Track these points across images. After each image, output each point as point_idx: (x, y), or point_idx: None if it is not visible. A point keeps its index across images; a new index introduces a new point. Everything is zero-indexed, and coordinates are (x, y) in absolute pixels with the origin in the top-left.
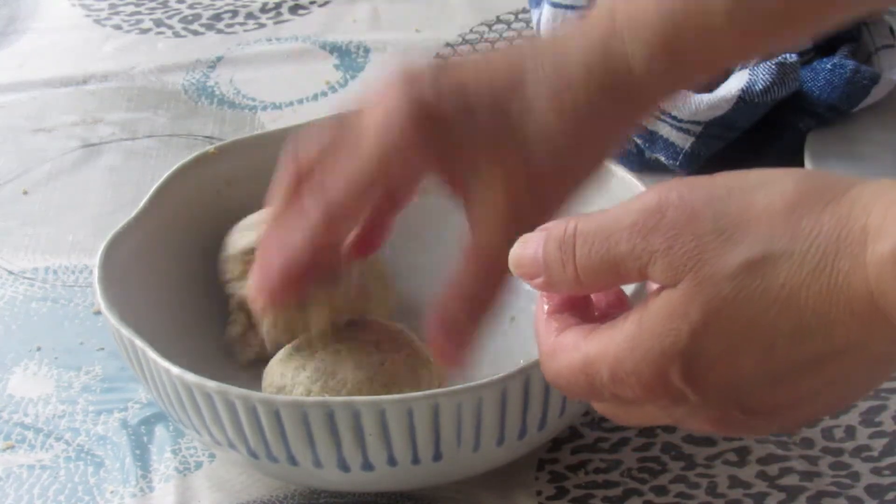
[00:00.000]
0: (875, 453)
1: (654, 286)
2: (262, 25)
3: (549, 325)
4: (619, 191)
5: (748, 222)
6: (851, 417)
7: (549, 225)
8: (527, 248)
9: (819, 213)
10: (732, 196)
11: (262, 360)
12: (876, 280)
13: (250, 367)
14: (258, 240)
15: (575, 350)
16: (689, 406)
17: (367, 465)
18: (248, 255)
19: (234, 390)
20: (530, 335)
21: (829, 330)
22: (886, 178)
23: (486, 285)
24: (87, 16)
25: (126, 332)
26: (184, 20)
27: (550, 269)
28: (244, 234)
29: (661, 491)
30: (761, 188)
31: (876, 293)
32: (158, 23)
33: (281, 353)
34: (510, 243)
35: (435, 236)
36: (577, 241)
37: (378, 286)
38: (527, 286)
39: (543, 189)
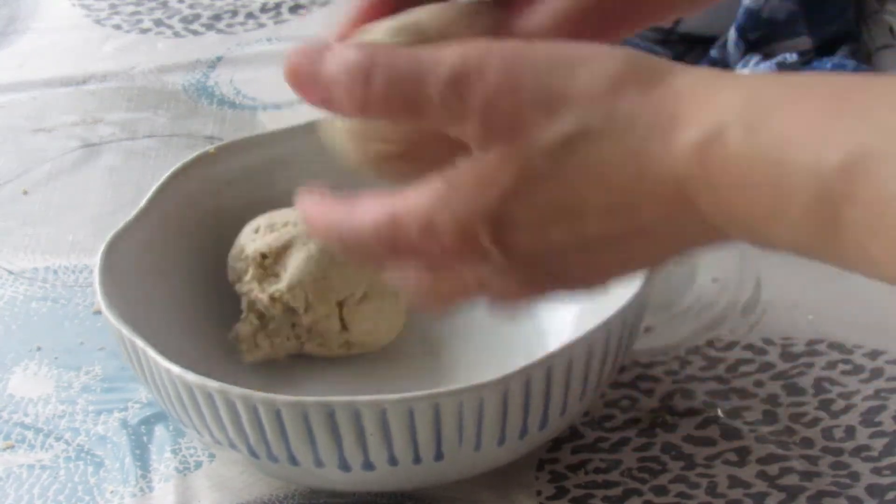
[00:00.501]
0: (875, 453)
1: None
2: (262, 25)
3: (329, 202)
4: None
5: (569, 98)
6: (851, 417)
7: (346, 44)
8: (308, 59)
9: (636, 95)
10: (555, 70)
11: (268, 362)
12: (682, 167)
13: (251, 367)
14: (271, 244)
15: (380, 206)
16: (496, 267)
17: (368, 465)
18: (261, 258)
19: (236, 390)
20: (530, 335)
21: (637, 208)
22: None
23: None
24: (87, 16)
25: (126, 332)
26: (184, 20)
27: (332, 89)
28: (256, 237)
29: (661, 491)
30: (585, 65)
31: (681, 179)
32: (158, 23)
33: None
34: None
35: None
36: (376, 72)
37: (389, 300)
38: None
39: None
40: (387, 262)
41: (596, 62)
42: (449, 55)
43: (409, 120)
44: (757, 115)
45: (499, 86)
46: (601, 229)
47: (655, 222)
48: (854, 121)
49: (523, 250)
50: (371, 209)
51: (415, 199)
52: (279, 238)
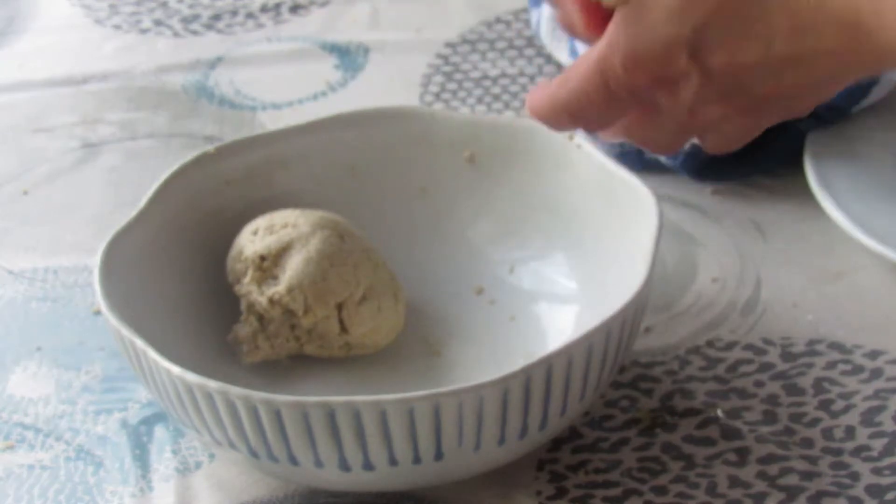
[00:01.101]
0: (875, 453)
1: None
2: (261, 25)
3: (545, 83)
4: (622, 192)
5: None
6: (851, 417)
7: None
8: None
9: None
10: None
11: (267, 362)
12: (856, 1)
13: (251, 367)
14: (270, 246)
15: (586, 57)
16: (696, 86)
17: (368, 465)
18: (260, 260)
19: (235, 390)
20: (530, 335)
21: (819, 32)
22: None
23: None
24: (87, 16)
25: (126, 333)
26: (184, 20)
27: None
28: (255, 239)
29: (660, 491)
30: None
31: (856, 10)
32: (158, 23)
33: None
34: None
35: (435, 234)
36: None
37: (388, 302)
38: (527, 286)
39: None
40: (607, 111)
41: None
42: None
43: None
44: None
45: None
46: (788, 49)
47: (835, 48)
48: None
49: (718, 69)
50: (579, 63)
51: (613, 36)
52: (278, 240)
